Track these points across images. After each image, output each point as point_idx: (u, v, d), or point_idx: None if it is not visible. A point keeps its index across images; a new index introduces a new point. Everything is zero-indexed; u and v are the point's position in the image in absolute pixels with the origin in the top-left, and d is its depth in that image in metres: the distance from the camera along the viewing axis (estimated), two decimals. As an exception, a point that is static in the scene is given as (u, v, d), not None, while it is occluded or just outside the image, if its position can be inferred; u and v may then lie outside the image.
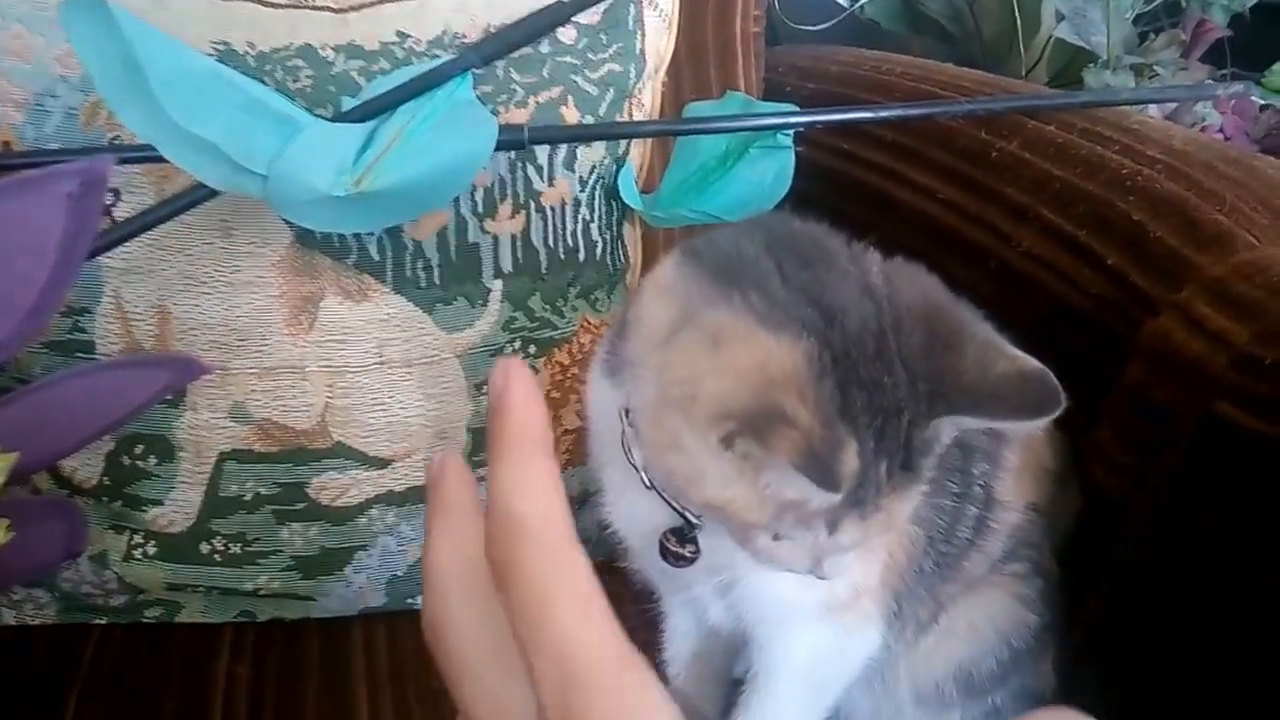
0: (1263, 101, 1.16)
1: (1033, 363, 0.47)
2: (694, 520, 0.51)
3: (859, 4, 1.34)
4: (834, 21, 1.28)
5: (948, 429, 0.46)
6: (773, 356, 0.43)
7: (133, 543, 0.80)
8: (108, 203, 0.69)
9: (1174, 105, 1.10)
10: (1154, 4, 1.29)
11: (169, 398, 0.75)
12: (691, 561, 0.52)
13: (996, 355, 0.47)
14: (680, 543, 0.52)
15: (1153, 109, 1.05)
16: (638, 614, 0.83)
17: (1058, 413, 0.46)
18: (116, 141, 0.69)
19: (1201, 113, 1.12)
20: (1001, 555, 0.65)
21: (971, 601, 0.65)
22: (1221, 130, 1.12)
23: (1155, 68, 1.21)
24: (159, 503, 0.79)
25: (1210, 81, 1.18)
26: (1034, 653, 0.67)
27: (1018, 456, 0.63)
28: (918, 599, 0.63)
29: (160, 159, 0.62)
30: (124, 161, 0.65)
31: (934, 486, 0.55)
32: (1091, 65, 1.21)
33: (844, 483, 0.43)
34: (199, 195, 0.65)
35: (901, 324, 0.46)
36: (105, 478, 0.78)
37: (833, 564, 0.46)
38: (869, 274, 0.48)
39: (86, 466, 0.78)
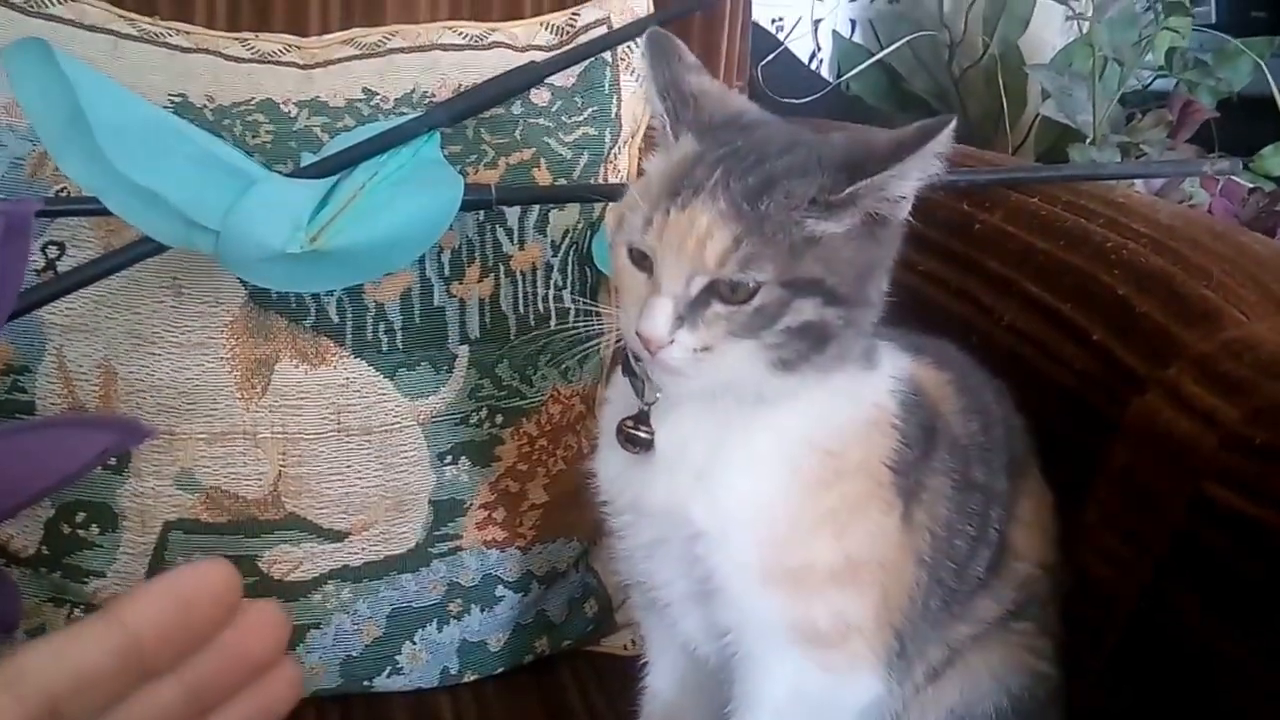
0: (1251, 185, 1.15)
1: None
2: (647, 406, 0.58)
3: (843, 79, 1.34)
4: (817, 95, 1.28)
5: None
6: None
7: (73, 617, 0.76)
8: (52, 256, 0.66)
9: (1161, 183, 1.08)
10: (1145, 84, 1.29)
11: (112, 463, 0.72)
12: (648, 445, 0.57)
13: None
14: (636, 425, 0.58)
15: (1139, 186, 1.04)
16: (606, 704, 0.80)
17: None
18: (64, 193, 0.67)
19: (1189, 191, 1.11)
20: (1013, 604, 0.63)
21: (977, 651, 0.63)
22: (1210, 211, 1.11)
23: (1142, 147, 1.21)
24: (101, 574, 0.75)
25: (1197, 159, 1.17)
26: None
27: (1032, 511, 0.65)
28: (926, 638, 0.60)
29: (105, 212, 0.60)
30: (64, 214, 0.63)
31: (948, 529, 0.60)
32: (1078, 144, 1.21)
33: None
34: (144, 250, 0.63)
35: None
36: (44, 546, 0.74)
37: (648, 313, 0.51)
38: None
39: (24, 534, 0.74)
